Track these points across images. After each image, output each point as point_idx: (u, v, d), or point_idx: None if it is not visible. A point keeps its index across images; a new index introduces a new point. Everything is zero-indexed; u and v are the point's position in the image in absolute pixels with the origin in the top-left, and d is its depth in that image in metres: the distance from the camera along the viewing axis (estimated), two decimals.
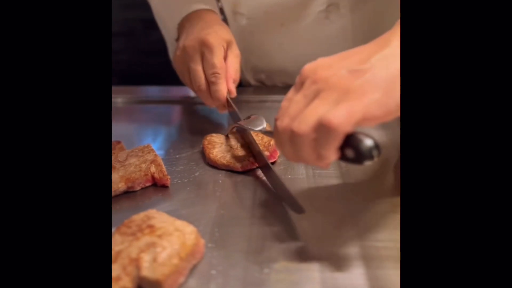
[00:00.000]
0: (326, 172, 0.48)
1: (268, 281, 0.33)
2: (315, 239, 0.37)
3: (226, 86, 0.52)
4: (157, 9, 0.68)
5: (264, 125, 0.47)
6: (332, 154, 0.32)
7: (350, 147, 0.31)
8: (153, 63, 1.51)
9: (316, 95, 0.32)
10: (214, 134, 0.53)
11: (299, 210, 0.39)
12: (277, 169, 0.49)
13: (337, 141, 0.31)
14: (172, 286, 0.31)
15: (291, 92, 0.36)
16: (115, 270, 0.31)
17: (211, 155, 0.49)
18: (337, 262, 0.35)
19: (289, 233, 0.38)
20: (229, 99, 0.53)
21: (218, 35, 0.53)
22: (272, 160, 0.49)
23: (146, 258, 0.32)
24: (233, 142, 0.51)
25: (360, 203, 0.42)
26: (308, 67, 0.34)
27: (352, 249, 0.36)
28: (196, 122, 0.63)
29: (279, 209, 0.42)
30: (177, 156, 0.52)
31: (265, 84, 0.79)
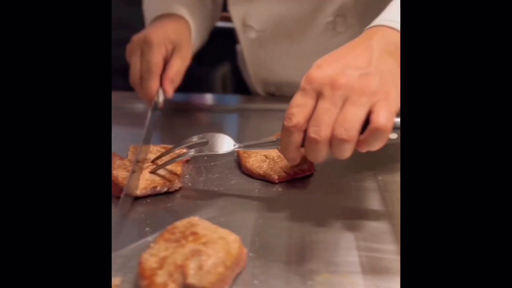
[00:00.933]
0: (365, 188, 0.48)
1: None
2: (357, 252, 0.37)
3: (157, 84, 0.55)
4: (145, 4, 0.72)
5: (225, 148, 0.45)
6: (381, 145, 0.36)
7: None
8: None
9: (345, 101, 0.35)
10: None
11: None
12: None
13: (386, 137, 0.35)
14: None
15: (299, 98, 0.37)
16: (162, 276, 0.31)
17: (247, 164, 0.49)
18: (381, 276, 0.34)
19: (329, 244, 0.38)
20: (157, 99, 0.55)
21: (164, 35, 0.56)
22: (309, 173, 0.49)
23: (191, 266, 0.32)
24: (269, 152, 0.51)
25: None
26: (318, 75, 0.37)
27: (395, 264, 0.36)
28: (230, 130, 0.63)
29: (316, 220, 0.41)
30: (212, 163, 0.52)
31: (275, 96, 0.80)
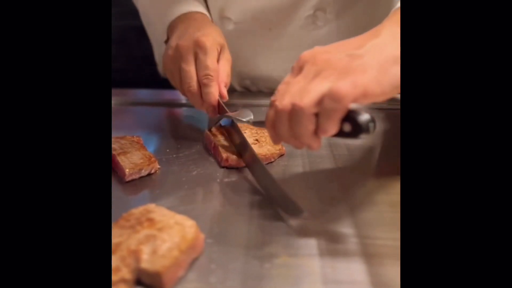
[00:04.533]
0: (324, 177, 0.48)
1: (268, 275, 0.32)
2: (316, 236, 0.37)
3: (218, 89, 0.51)
4: (145, 11, 0.68)
5: (251, 116, 0.48)
6: (334, 127, 0.33)
7: (348, 121, 0.33)
8: (145, 70, 1.50)
9: (316, 75, 0.35)
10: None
11: (297, 211, 0.38)
12: (274, 171, 0.49)
13: (342, 112, 0.33)
14: (171, 279, 0.31)
15: (288, 77, 0.37)
16: (114, 261, 0.30)
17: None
18: (338, 258, 0.34)
19: (289, 229, 0.38)
20: (221, 102, 0.52)
21: (213, 38, 0.53)
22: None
23: (145, 250, 0.31)
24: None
25: (359, 202, 0.42)
26: (306, 53, 0.37)
27: (352, 246, 0.36)
28: (192, 123, 0.63)
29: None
30: (174, 155, 0.52)
31: (250, 90, 0.79)
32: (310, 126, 0.34)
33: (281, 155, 0.52)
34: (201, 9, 0.62)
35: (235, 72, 0.77)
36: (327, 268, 0.33)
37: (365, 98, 0.32)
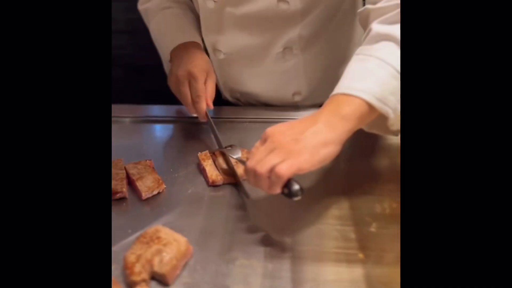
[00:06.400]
0: None
1: (231, 273, 0.54)
2: (262, 245, 0.58)
3: (205, 103, 0.77)
4: (154, 37, 0.93)
5: (239, 154, 0.68)
6: (277, 190, 0.53)
7: (286, 187, 0.52)
8: (153, 57, 1.66)
9: (271, 150, 0.52)
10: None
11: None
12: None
13: (282, 183, 0.52)
14: (172, 277, 0.52)
15: (258, 143, 0.56)
16: (138, 267, 0.52)
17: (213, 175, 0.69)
18: (276, 260, 0.55)
19: (247, 239, 0.59)
20: (207, 112, 0.79)
21: (200, 67, 0.78)
22: None
23: (156, 260, 0.52)
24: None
25: (307, 216, 0.62)
26: (269, 130, 0.55)
27: (289, 250, 0.57)
28: (191, 141, 0.82)
29: (245, 219, 0.62)
30: (176, 175, 0.72)
31: (240, 100, 0.99)
32: (266, 183, 0.53)
33: None
34: (195, 38, 0.85)
35: (228, 87, 0.96)
36: (268, 268, 0.54)
37: (300, 172, 0.51)
